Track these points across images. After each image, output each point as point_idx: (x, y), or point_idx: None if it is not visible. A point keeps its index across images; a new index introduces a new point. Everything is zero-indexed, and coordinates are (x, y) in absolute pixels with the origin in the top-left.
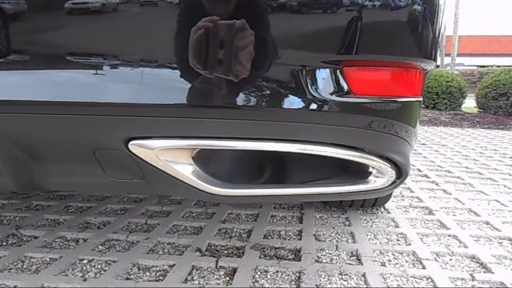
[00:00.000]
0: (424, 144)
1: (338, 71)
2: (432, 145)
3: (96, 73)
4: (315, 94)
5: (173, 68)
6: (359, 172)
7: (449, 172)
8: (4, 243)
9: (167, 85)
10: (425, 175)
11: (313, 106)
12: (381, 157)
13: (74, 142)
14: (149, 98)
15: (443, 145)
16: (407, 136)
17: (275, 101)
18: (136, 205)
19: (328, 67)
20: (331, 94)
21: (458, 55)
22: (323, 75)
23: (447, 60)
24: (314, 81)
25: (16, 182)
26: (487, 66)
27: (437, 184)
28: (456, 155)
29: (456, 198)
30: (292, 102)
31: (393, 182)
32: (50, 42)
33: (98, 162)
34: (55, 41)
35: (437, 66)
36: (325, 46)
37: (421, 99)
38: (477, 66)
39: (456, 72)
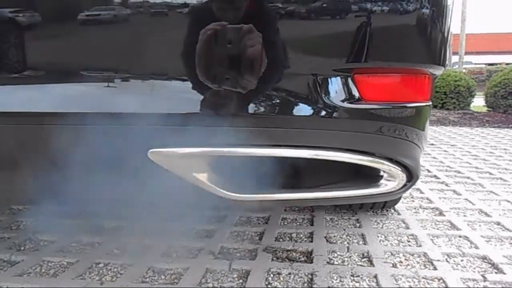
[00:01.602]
0: (433, 144)
1: (349, 79)
2: (441, 145)
3: (116, 85)
4: (327, 102)
5: (190, 80)
6: (371, 176)
7: (459, 172)
8: (22, 248)
9: (184, 96)
10: (435, 176)
11: (325, 113)
12: (391, 161)
13: (97, 151)
14: (166, 108)
15: (452, 145)
16: (417, 140)
17: (287, 109)
18: (149, 209)
19: (339, 75)
20: (343, 101)
21: (466, 53)
22: (334, 83)
23: (455, 58)
24: (325, 89)
25: (41, 191)
26: (496, 64)
27: (447, 185)
28: (466, 155)
29: (466, 199)
30: (305, 109)
31: (404, 185)
32: (66, 57)
33: (119, 170)
34: (71, 57)
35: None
36: (336, 54)
37: (431, 103)
38: (486, 64)
39: (464, 70)
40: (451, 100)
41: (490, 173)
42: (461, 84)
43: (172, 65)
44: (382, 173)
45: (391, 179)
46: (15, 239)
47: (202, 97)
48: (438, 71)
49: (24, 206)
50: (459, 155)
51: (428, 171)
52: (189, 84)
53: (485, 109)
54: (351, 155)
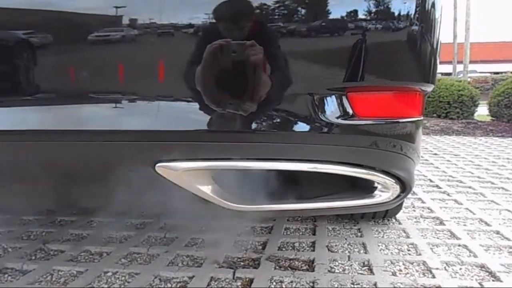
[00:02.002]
0: (436, 154)
1: (343, 97)
2: (444, 155)
3: (126, 104)
4: (323, 119)
5: (194, 98)
6: (366, 187)
7: (461, 182)
8: (33, 257)
9: (188, 114)
10: (437, 186)
11: (321, 129)
12: (385, 173)
13: (108, 165)
14: (173, 125)
15: (455, 155)
16: (410, 153)
17: (286, 126)
18: (155, 219)
19: (334, 93)
20: (337, 117)
21: (471, 62)
22: (329, 101)
23: (460, 67)
24: (321, 107)
25: (56, 202)
26: (501, 72)
27: (448, 195)
28: (468, 165)
29: (467, 208)
30: (302, 126)
31: (398, 196)
32: (77, 80)
33: (127, 182)
34: (83, 79)
35: (449, 74)
36: (330, 75)
37: (422, 118)
38: (491, 72)
39: (469, 79)
40: (455, 110)
41: (492, 183)
42: (464, 93)
43: (178, 84)
44: (376, 184)
45: (385, 190)
46: (27, 248)
47: (206, 114)
48: (428, 88)
49: (34, 216)
50: (462, 165)
51: (431, 180)
52: (193, 102)
53: (489, 118)
54: (347, 168)
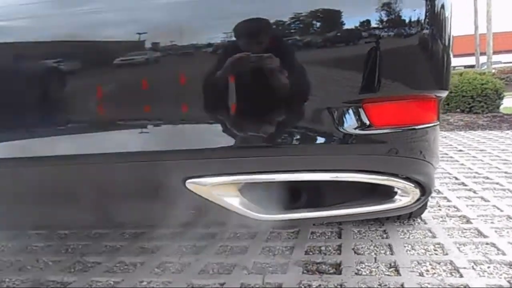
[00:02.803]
0: (461, 150)
1: (359, 108)
2: (469, 151)
3: (154, 128)
4: (341, 130)
5: (218, 117)
6: (386, 193)
7: (487, 178)
8: (72, 270)
9: (214, 132)
10: (462, 183)
11: (341, 140)
12: (404, 178)
13: (142, 183)
14: (199, 144)
15: (481, 150)
16: (428, 157)
17: (307, 139)
18: (184, 229)
19: (350, 106)
20: (355, 128)
21: (495, 52)
22: (346, 113)
23: (483, 59)
24: (339, 119)
25: (97, 220)
26: None
27: (474, 192)
28: (495, 160)
29: (494, 205)
30: (322, 138)
31: (418, 199)
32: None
33: (160, 198)
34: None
35: (472, 66)
36: (345, 88)
37: (438, 123)
38: None
39: (493, 70)
40: (479, 104)
41: None
42: (488, 87)
43: (202, 103)
44: (396, 189)
45: (405, 194)
46: (66, 261)
47: (231, 131)
48: (443, 94)
49: (70, 230)
50: (488, 160)
51: (456, 178)
52: (218, 121)
53: None
54: (367, 175)
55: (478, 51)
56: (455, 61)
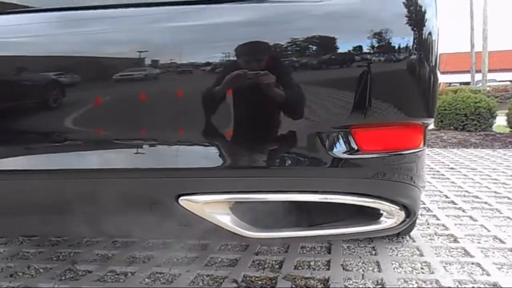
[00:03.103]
0: (452, 168)
1: (348, 134)
2: (461, 169)
3: (150, 145)
4: (330, 154)
5: (212, 139)
6: (372, 214)
7: (477, 197)
8: (63, 278)
9: (207, 152)
10: (452, 202)
11: (330, 164)
12: (390, 201)
13: (137, 198)
14: (193, 163)
15: (472, 169)
16: (413, 181)
17: (297, 162)
18: (176, 240)
19: (339, 131)
20: (344, 153)
21: (490, 70)
22: (335, 138)
23: (478, 76)
24: (328, 144)
25: (90, 230)
26: None
27: (463, 211)
28: (485, 179)
29: (482, 225)
30: (312, 162)
31: (403, 221)
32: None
33: (153, 213)
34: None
35: (468, 83)
36: (334, 115)
37: (424, 148)
38: (511, 81)
39: (488, 88)
40: (472, 122)
41: (509, 198)
42: (481, 105)
43: (198, 124)
44: (382, 211)
45: (390, 216)
46: (57, 269)
47: (223, 151)
48: (429, 121)
49: (62, 238)
50: (479, 179)
51: (446, 196)
52: (212, 142)
53: (508, 130)
54: (354, 198)
55: (473, 68)
56: (451, 78)
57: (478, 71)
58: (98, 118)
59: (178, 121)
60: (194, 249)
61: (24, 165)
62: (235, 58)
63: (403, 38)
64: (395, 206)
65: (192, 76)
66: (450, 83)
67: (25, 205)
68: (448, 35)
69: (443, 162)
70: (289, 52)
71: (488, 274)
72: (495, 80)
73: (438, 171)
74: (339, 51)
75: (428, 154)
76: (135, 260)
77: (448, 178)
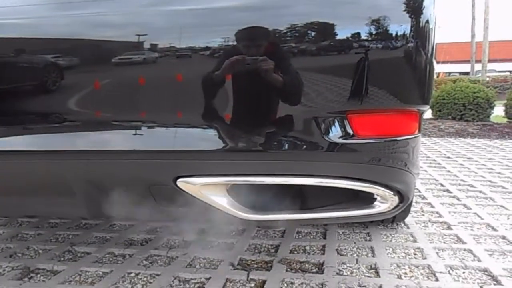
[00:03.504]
0: (449, 157)
1: (344, 119)
2: (457, 158)
3: (149, 128)
4: (326, 139)
5: (210, 121)
6: (366, 199)
7: (472, 186)
8: (62, 259)
9: (205, 135)
10: (447, 190)
11: (326, 148)
12: (384, 186)
13: (135, 180)
14: (191, 145)
15: (468, 158)
16: (408, 167)
17: (294, 146)
18: (173, 223)
19: (335, 116)
20: (339, 138)
21: (490, 61)
22: (331, 123)
23: (478, 66)
24: (324, 128)
25: (89, 211)
26: None
27: (458, 199)
28: (481, 169)
29: (475, 213)
30: (308, 146)
31: (396, 206)
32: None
33: (152, 195)
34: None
35: (467, 73)
36: (331, 100)
37: (419, 134)
38: (510, 71)
39: (487, 78)
40: (470, 112)
41: (503, 187)
42: (480, 95)
43: (196, 106)
44: (376, 196)
45: (384, 201)
46: (55, 250)
47: (221, 134)
48: (425, 108)
49: (60, 220)
50: (474, 169)
51: (441, 185)
52: (210, 124)
53: (505, 120)
54: (349, 182)
55: (473, 58)
56: (451, 67)
57: (478, 61)
58: (97, 100)
59: (178, 105)
60: (191, 233)
61: (24, 145)
62: (234, 43)
63: (400, 25)
64: (389, 191)
65: (191, 60)
66: (449, 73)
67: (26, 186)
68: (449, 24)
69: (439, 151)
70: (288, 38)
71: (479, 260)
72: (494, 71)
73: (434, 160)
74: (338, 37)
75: (425, 143)
76: (132, 243)
77: (444, 167)
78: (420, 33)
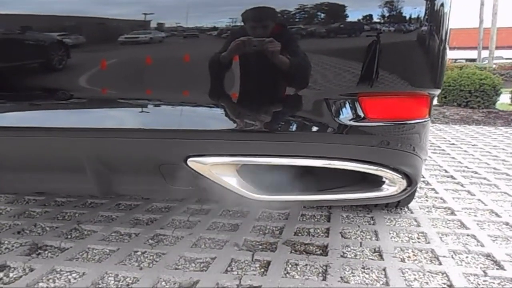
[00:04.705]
0: (453, 144)
1: (355, 102)
2: (462, 145)
3: (161, 106)
4: (337, 121)
5: (220, 101)
6: (375, 181)
7: (476, 173)
8: (69, 236)
9: (216, 115)
10: (451, 176)
11: (335, 130)
12: (393, 169)
13: (145, 159)
14: (202, 125)
15: (473, 145)
16: (416, 151)
17: (303, 127)
18: (179, 203)
19: (347, 98)
20: (350, 120)
21: (497, 47)
22: (342, 105)
23: (485, 53)
24: (335, 110)
25: (99, 189)
26: None
27: (462, 185)
28: (485, 156)
29: (479, 199)
30: (318, 127)
31: (404, 189)
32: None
33: (162, 174)
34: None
35: (474, 60)
36: (343, 82)
37: (429, 119)
38: None
39: (494, 65)
40: (476, 99)
41: (507, 174)
42: (486, 82)
43: (205, 86)
44: (384, 179)
45: (392, 184)
46: (63, 228)
47: (231, 114)
48: (436, 92)
49: (67, 198)
50: (479, 156)
51: (446, 171)
52: (220, 104)
53: (511, 108)
54: (358, 164)
55: (481, 45)
56: (457, 54)
57: (485, 48)
58: (104, 79)
59: (187, 85)
60: (197, 213)
61: (31, 122)
62: (241, 24)
63: (414, 8)
64: (398, 175)
65: (198, 40)
66: (456, 59)
67: (37, 163)
68: (457, 10)
69: (444, 138)
70: (296, 19)
71: (483, 245)
72: (502, 58)
73: (439, 146)
74: (349, 19)
75: (430, 130)
76: (138, 222)
77: (449, 154)
78: (435, 16)
